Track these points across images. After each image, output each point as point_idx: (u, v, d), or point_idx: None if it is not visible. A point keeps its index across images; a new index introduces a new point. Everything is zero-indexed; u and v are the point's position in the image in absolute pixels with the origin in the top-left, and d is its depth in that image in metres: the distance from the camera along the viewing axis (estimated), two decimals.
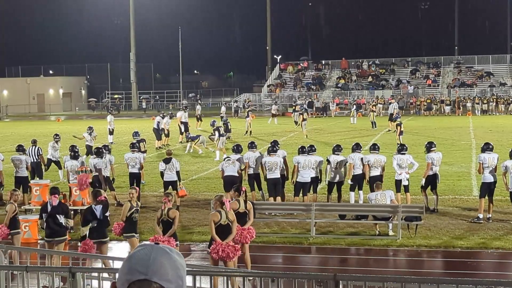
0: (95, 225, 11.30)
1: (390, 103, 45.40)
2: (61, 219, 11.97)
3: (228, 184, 16.43)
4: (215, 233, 10.94)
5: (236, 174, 17.26)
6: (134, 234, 12.24)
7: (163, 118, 33.36)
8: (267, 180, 17.20)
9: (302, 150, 17.24)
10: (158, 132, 32.64)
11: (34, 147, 20.60)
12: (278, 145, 18.20)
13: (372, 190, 15.77)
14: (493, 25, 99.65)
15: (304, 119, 37.52)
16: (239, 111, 60.75)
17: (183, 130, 34.49)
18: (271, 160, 17.06)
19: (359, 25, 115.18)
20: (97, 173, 17.72)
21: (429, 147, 17.15)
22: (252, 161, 17.50)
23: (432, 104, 57.62)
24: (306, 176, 16.87)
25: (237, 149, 18.04)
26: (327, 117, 56.78)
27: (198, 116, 42.76)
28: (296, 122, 43.42)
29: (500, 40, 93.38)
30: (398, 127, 30.35)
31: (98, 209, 11.25)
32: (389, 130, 37.82)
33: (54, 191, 12.30)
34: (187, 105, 46.47)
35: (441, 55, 75.92)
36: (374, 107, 47.63)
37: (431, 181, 16.83)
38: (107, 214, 11.93)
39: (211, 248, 10.96)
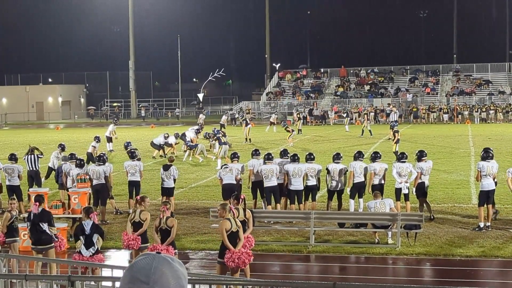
0: (83, 241, 11.21)
1: (390, 111, 45.50)
2: (44, 226, 11.97)
3: (227, 192, 16.51)
4: (227, 241, 10.89)
5: (234, 182, 17.28)
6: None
7: (166, 138, 31.95)
8: (265, 188, 17.19)
9: (293, 158, 17.25)
10: (160, 146, 31.74)
11: (31, 155, 20.55)
12: (288, 154, 18.20)
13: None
14: (491, 33, 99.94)
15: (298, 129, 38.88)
16: (236, 120, 60.99)
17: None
18: (267, 168, 17.07)
19: (358, 33, 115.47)
20: (98, 181, 17.70)
21: (420, 156, 17.13)
22: (256, 169, 17.50)
23: (420, 112, 57.75)
24: (297, 184, 16.88)
25: (235, 156, 18.07)
26: (326, 125, 56.83)
27: (200, 125, 41.18)
28: (299, 130, 44.03)
29: (499, 48, 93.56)
30: (396, 134, 30.24)
31: (87, 224, 11.21)
32: (389, 139, 37.81)
33: (36, 198, 12.34)
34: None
35: (440, 63, 76.03)
36: (366, 115, 47.91)
37: (421, 189, 16.81)
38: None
39: (226, 257, 10.86)
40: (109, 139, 34.40)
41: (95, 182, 17.67)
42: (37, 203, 12.14)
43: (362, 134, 40.95)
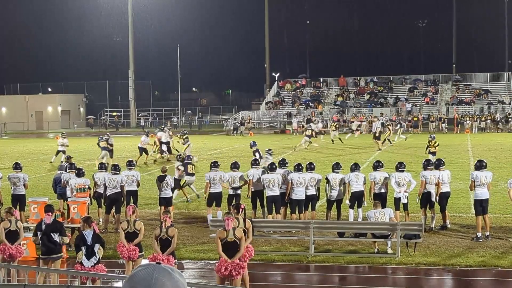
0: (85, 251, 11.19)
1: (373, 122, 45.39)
2: (56, 237, 11.97)
3: (213, 200, 17.43)
4: (222, 251, 10.93)
5: (221, 190, 17.63)
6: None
7: (147, 136, 34.67)
8: (266, 198, 17.23)
9: (297, 168, 17.26)
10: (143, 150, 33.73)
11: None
12: (286, 163, 18.21)
13: (383, 207, 15.74)
14: (491, 43, 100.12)
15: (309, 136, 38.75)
16: (237, 129, 61.23)
17: (164, 149, 35.00)
18: (269, 177, 17.08)
19: (358, 42, 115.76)
20: (114, 189, 17.72)
21: (426, 165, 17.16)
22: (256, 178, 17.51)
23: (419, 122, 57.83)
24: (300, 193, 16.88)
25: (235, 166, 18.06)
26: (325, 134, 56.80)
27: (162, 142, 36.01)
28: (332, 140, 44.17)
29: (498, 58, 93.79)
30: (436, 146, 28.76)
31: (88, 235, 11.19)
32: (379, 149, 37.67)
33: (48, 209, 12.34)
34: (167, 124, 46.04)
35: (439, 73, 76.20)
36: (334, 125, 47.63)
37: (428, 199, 16.81)
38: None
39: (217, 266, 11.00)
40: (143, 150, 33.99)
41: (111, 191, 17.67)
42: (50, 213, 12.14)
43: (390, 143, 40.90)
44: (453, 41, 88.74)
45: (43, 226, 12.11)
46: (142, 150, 33.80)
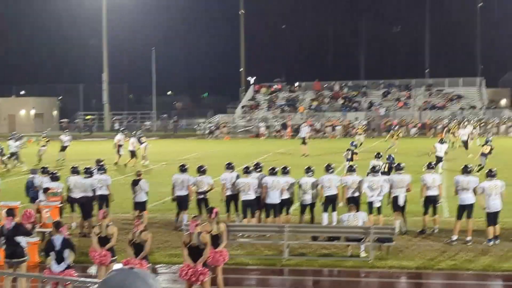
0: (54, 256, 11.07)
1: (301, 127, 44.95)
2: (19, 239, 11.84)
3: (177, 203, 17.83)
4: (187, 255, 10.99)
5: (187, 193, 17.80)
6: None
7: (125, 137, 36.08)
8: (242, 202, 17.24)
9: (271, 172, 17.31)
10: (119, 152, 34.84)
11: None
12: (260, 167, 18.27)
13: (357, 210, 15.84)
14: (463, 48, 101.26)
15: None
16: (212, 132, 61.34)
17: (121, 152, 35.59)
18: (244, 181, 17.10)
19: (333, 47, 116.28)
20: (84, 194, 17.61)
21: (428, 167, 17.42)
22: (229, 182, 17.53)
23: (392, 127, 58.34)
24: (274, 197, 16.92)
25: (201, 170, 18.11)
26: (300, 138, 56.95)
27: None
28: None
29: (470, 63, 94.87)
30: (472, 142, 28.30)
31: (57, 240, 11.09)
32: (305, 154, 37.68)
33: (9, 212, 12.20)
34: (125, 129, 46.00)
35: (413, 78, 76.87)
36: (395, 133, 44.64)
37: (395, 202, 16.98)
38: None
39: (180, 270, 11.14)
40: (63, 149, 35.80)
41: (81, 194, 17.57)
42: (10, 217, 12.01)
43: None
44: (426, 46, 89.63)
45: (5, 230, 11.94)
46: (133, 152, 34.24)
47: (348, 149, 26.21)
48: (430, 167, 17.37)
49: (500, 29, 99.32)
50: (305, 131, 41.67)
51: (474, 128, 46.22)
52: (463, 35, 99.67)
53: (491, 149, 29.52)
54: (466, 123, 49.85)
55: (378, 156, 21.88)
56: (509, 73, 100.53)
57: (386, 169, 19.92)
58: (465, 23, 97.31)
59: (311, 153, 39.79)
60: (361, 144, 42.30)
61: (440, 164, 28.85)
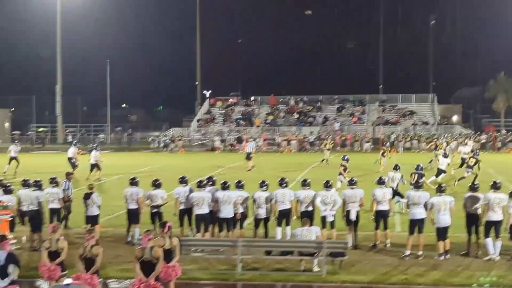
0: None
1: (247, 142, 44.90)
2: None
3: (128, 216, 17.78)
4: (139, 270, 10.91)
5: (137, 206, 17.70)
6: None
7: (90, 151, 34.47)
8: (195, 216, 17.14)
9: (223, 186, 17.27)
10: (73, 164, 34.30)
11: None
12: (213, 180, 18.25)
13: (310, 225, 15.86)
14: (416, 65, 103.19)
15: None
16: (168, 146, 61.06)
17: (76, 164, 35.15)
18: (198, 196, 17.01)
19: (288, 62, 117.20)
20: (33, 206, 17.30)
21: (378, 182, 17.52)
22: (182, 196, 17.42)
23: (347, 141, 59.79)
24: (226, 211, 16.86)
25: (155, 183, 18.00)
26: (258, 152, 57.08)
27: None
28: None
29: (423, 79, 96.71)
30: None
31: (1, 255, 10.83)
32: (250, 169, 37.75)
33: None
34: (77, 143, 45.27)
35: (367, 93, 77.98)
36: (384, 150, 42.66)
37: (347, 217, 17.13)
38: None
39: (132, 284, 11.00)
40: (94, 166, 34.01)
41: (30, 208, 17.29)
42: None
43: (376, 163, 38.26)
44: (380, 62, 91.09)
45: None
46: (94, 166, 33.75)
47: (342, 165, 26.91)
48: (380, 182, 17.56)
49: (452, 46, 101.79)
50: (251, 146, 41.46)
51: (448, 144, 46.31)
52: (416, 52, 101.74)
53: (477, 161, 30.08)
54: (466, 140, 49.20)
55: (396, 168, 22.16)
56: (461, 90, 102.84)
57: (415, 180, 19.86)
58: (418, 40, 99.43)
59: (265, 167, 39.88)
60: (327, 160, 42.67)
61: (441, 175, 29.52)
